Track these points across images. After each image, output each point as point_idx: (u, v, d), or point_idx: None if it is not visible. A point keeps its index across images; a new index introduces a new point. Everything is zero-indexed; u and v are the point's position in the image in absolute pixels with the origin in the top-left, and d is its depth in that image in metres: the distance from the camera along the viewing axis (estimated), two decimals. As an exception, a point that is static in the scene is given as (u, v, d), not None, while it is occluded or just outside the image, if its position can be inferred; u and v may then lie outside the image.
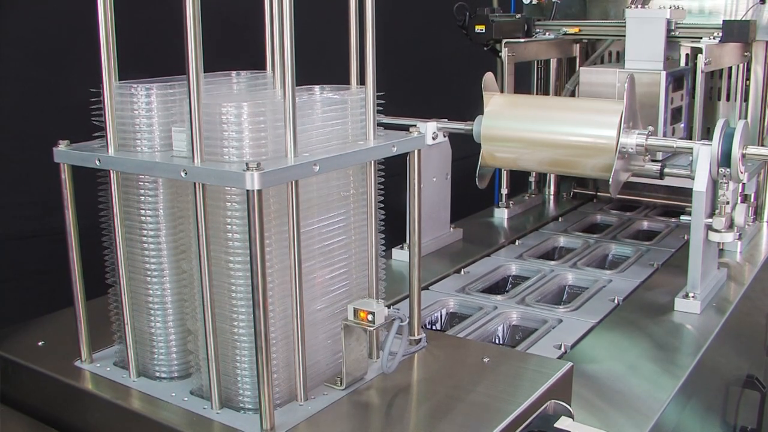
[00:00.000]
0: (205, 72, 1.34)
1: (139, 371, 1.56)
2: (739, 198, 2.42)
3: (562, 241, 2.84)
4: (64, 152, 1.52)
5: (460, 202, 2.80)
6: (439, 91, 3.85)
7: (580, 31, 3.10)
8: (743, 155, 2.09)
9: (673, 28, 2.68)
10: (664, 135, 2.60)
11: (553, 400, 1.49)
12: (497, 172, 3.06)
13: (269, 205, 1.35)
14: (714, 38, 2.63)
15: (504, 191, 3.12)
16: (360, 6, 1.49)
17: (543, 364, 1.60)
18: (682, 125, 2.76)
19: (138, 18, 2.33)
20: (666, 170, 2.30)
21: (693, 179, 2.13)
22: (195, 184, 1.34)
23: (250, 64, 1.66)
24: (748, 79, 2.92)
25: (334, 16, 1.63)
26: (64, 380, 1.57)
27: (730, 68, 3.03)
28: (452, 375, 1.57)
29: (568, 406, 1.50)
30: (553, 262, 2.55)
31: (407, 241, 2.38)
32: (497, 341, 2.09)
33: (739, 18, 2.82)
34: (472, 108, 2.51)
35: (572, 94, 3.20)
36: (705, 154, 2.10)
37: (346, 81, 1.55)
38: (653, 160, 2.35)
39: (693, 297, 2.14)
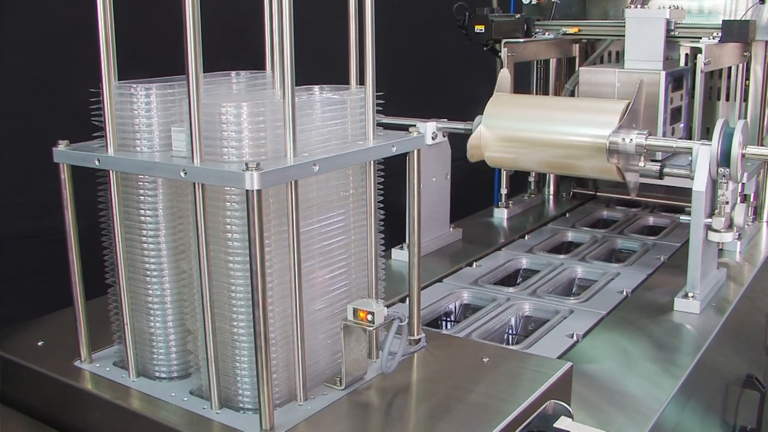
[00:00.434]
0: (204, 72, 1.34)
1: (139, 371, 1.56)
2: (739, 198, 2.42)
3: (570, 235, 2.90)
4: (63, 152, 1.52)
5: (459, 202, 2.81)
6: (438, 91, 3.85)
7: (579, 31, 3.10)
8: (743, 155, 2.09)
9: (672, 28, 2.68)
10: (664, 135, 2.60)
11: (552, 400, 1.49)
12: (497, 172, 3.06)
13: (269, 205, 1.35)
14: (713, 38, 2.62)
15: (504, 191, 3.12)
16: (359, 6, 1.49)
17: (542, 364, 1.60)
18: (682, 125, 2.76)
19: (138, 18, 2.33)
20: (665, 170, 2.30)
21: (692, 179, 2.13)
22: (194, 184, 1.34)
23: (249, 64, 1.66)
24: (747, 78, 2.91)
25: (334, 16, 1.63)
26: (64, 380, 1.57)
27: (730, 68, 3.03)
28: (452, 375, 1.57)
29: (567, 406, 1.50)
30: (562, 256, 2.62)
31: (407, 241, 2.38)
32: (511, 331, 2.16)
33: (738, 18, 2.82)
34: (472, 108, 2.51)
35: (572, 94, 3.20)
36: (704, 154, 2.10)
37: (345, 81, 1.55)
38: (653, 160, 2.35)
39: (692, 297, 2.14)
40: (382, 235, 1.59)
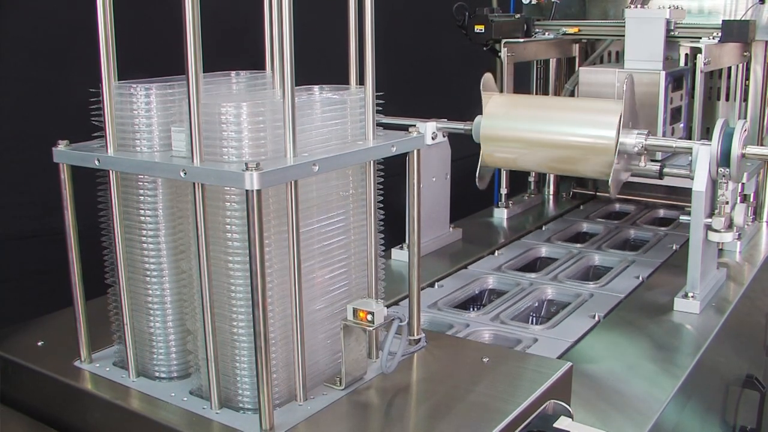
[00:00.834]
0: (204, 72, 1.34)
1: (139, 371, 1.56)
2: (739, 198, 2.42)
3: (585, 226, 3.04)
4: (63, 152, 1.52)
5: (459, 202, 2.81)
6: (438, 91, 3.85)
7: (579, 31, 3.10)
8: (743, 155, 2.09)
9: (672, 28, 2.68)
10: (664, 135, 2.61)
11: (552, 400, 1.49)
12: (497, 172, 3.06)
13: (268, 205, 1.35)
14: (713, 38, 2.62)
15: (504, 191, 3.12)
16: (359, 6, 1.49)
17: (542, 364, 1.60)
18: (682, 125, 2.77)
19: (138, 18, 2.33)
20: (665, 170, 2.31)
21: (692, 179, 2.13)
22: (194, 184, 1.34)
23: (249, 64, 1.66)
24: (747, 78, 2.91)
25: (334, 16, 1.63)
26: (64, 380, 1.57)
27: (730, 68, 3.03)
28: (451, 375, 1.57)
29: (567, 406, 1.50)
30: (579, 245, 2.75)
31: (407, 241, 2.38)
32: (535, 314, 2.29)
33: (738, 18, 2.82)
34: (472, 108, 2.51)
35: (572, 94, 3.20)
36: (704, 154, 2.10)
37: (345, 81, 1.55)
38: (653, 160, 2.35)
39: (692, 297, 2.14)
40: (382, 235, 1.59)
